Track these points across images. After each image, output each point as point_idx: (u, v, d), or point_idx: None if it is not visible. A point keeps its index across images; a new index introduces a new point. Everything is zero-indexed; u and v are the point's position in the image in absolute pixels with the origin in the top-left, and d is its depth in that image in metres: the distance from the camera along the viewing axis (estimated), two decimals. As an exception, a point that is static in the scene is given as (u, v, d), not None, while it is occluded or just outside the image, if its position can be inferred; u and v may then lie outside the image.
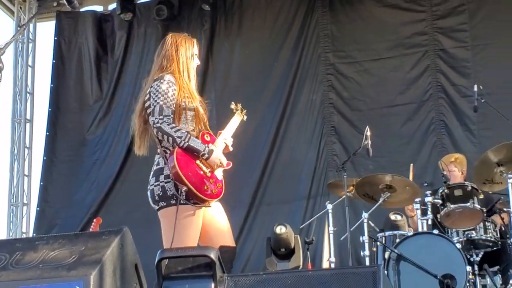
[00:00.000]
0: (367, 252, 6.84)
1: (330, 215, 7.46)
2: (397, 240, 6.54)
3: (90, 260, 3.94)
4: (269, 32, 10.21)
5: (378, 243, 6.77)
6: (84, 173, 10.47)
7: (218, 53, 10.37)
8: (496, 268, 6.80)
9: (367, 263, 6.80)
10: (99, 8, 11.18)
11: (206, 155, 4.68)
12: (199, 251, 4.26)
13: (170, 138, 4.61)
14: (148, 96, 4.77)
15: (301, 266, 8.03)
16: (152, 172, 4.76)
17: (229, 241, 4.81)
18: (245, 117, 5.19)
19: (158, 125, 4.61)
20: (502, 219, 6.90)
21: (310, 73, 9.91)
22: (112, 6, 10.96)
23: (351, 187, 7.43)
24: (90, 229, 8.09)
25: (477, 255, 6.67)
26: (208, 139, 4.84)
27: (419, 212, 6.85)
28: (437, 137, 9.26)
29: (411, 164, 7.76)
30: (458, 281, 6.09)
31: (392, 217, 7.34)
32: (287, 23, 10.13)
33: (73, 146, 10.64)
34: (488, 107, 7.27)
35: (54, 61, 10.88)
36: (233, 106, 5.16)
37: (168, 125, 4.61)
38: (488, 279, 6.62)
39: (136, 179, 10.23)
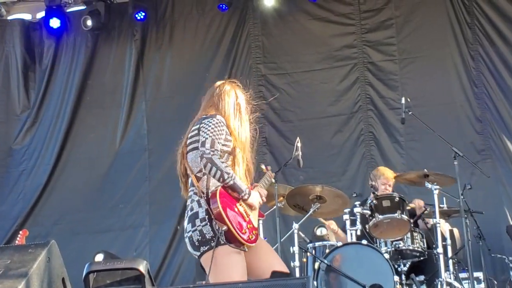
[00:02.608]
0: (297, 263, 6.86)
1: (261, 225, 7.46)
2: (327, 251, 6.60)
3: (16, 274, 3.86)
4: (201, 43, 10.20)
5: (308, 253, 6.82)
6: (10, 184, 10.25)
7: (149, 63, 10.31)
8: (422, 277, 6.93)
9: (297, 273, 6.83)
10: (27, 16, 10.95)
11: (247, 195, 4.58)
12: (127, 264, 4.22)
13: (219, 172, 4.45)
14: (196, 131, 4.67)
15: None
16: (186, 219, 4.60)
17: (281, 267, 4.70)
18: (273, 180, 5.37)
19: (209, 156, 4.45)
20: (426, 224, 7.05)
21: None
22: (41, 14, 10.76)
23: (282, 198, 7.45)
24: (16, 242, 7.92)
25: (404, 265, 6.79)
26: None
27: (348, 222, 6.92)
28: (366, 148, 9.41)
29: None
30: (386, 291, 6.18)
31: (318, 231, 7.38)
32: (218, 34, 10.15)
33: (-1, 156, 10.42)
34: (415, 119, 7.41)
35: (-20, 69, 10.65)
36: (263, 166, 5.18)
37: (219, 158, 4.49)
38: (415, 289, 6.74)
39: (64, 190, 10.11)
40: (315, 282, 6.19)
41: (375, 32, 9.67)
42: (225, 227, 4.38)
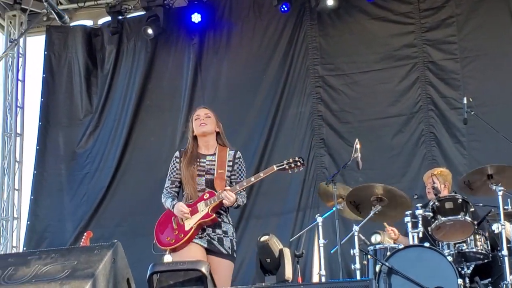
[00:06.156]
0: (357, 265, 6.80)
1: (320, 227, 7.43)
2: (388, 253, 6.53)
3: (83, 275, 3.93)
4: (258, 45, 10.23)
5: (369, 256, 6.76)
6: (74, 187, 10.45)
7: (206, 66, 10.38)
8: (487, 280, 6.78)
9: (358, 276, 6.77)
10: (89, 23, 11.18)
11: (174, 210, 5.49)
12: (190, 265, 4.26)
13: (165, 205, 5.61)
14: None
15: (290, 280, 7.97)
16: None
17: None
18: (297, 170, 5.67)
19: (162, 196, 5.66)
20: (492, 231, 6.91)
21: (299, 86, 9.93)
22: (102, 20, 10.97)
23: (341, 199, 7.40)
24: (81, 243, 8.08)
25: (468, 268, 6.65)
26: (206, 197, 5.53)
27: (409, 225, 6.83)
28: (427, 149, 9.28)
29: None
30: (449, 294, 6.09)
31: (372, 239, 7.29)
32: (275, 36, 10.15)
33: (63, 160, 10.62)
34: (478, 119, 7.28)
35: (44, 75, 10.89)
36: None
37: (163, 194, 5.63)
38: (480, 292, 6.62)
39: (126, 192, 10.25)
40: (377, 285, 6.14)
41: (435, 30, 9.54)
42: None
